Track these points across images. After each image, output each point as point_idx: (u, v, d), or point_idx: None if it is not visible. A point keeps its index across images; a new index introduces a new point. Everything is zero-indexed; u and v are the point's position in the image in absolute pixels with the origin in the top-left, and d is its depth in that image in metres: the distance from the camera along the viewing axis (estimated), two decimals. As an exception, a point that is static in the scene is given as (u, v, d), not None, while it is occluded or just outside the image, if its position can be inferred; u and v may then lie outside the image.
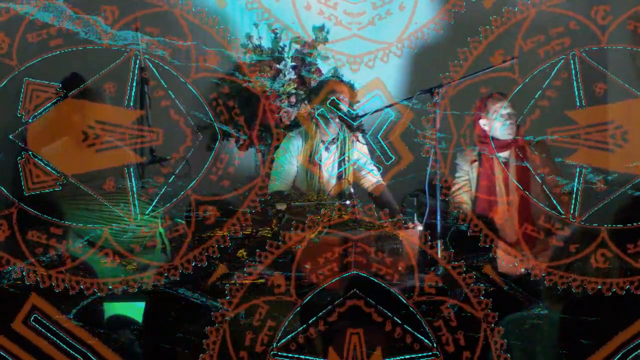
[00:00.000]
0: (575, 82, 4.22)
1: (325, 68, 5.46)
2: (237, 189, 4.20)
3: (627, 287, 3.88)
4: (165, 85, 4.22)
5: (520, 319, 3.93)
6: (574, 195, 4.22)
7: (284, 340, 3.87)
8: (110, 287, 4.00)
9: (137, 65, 4.23)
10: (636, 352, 3.82)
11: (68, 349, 3.91)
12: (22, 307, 3.92)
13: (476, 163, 4.92)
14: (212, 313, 3.94)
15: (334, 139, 5.07)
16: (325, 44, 5.35)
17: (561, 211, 4.26)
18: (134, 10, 4.23)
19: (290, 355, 3.86)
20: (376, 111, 4.65)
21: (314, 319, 3.85)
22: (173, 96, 4.21)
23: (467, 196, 4.94)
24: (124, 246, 4.21)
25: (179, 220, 4.20)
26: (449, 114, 4.38)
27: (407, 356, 3.84)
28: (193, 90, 4.19)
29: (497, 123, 4.86)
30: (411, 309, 3.89)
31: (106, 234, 4.15)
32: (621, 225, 3.96)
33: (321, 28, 5.34)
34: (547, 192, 4.45)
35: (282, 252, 4.05)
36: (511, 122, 4.83)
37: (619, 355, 3.81)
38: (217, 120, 4.36)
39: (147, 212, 4.25)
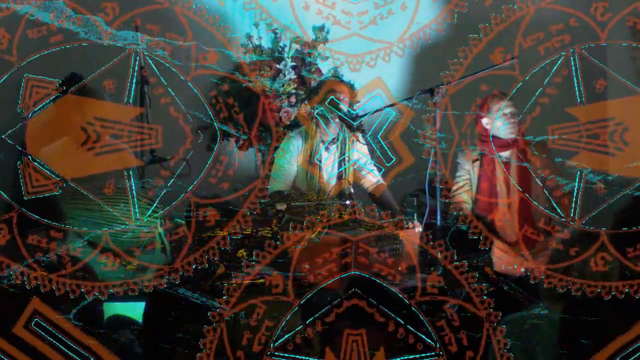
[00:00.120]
0: (575, 79, 4.21)
1: (326, 68, 5.46)
2: (237, 189, 4.20)
3: (627, 290, 3.87)
4: (165, 83, 4.22)
5: (520, 319, 3.92)
6: (574, 198, 4.21)
7: (281, 340, 3.87)
8: (111, 290, 3.99)
9: (137, 63, 4.23)
10: (635, 356, 3.81)
11: (69, 353, 3.91)
12: (23, 311, 3.92)
13: (477, 162, 4.91)
14: (209, 313, 3.94)
15: (334, 139, 5.07)
16: (325, 43, 5.35)
17: (561, 214, 4.25)
18: (134, 7, 4.23)
19: (287, 355, 3.85)
20: (376, 111, 4.65)
21: (311, 319, 3.85)
22: (173, 94, 4.20)
23: (467, 196, 4.93)
24: (124, 246, 4.21)
25: (179, 220, 4.20)
26: (449, 113, 4.38)
27: (410, 356, 3.83)
28: (193, 88, 4.19)
29: (498, 122, 4.85)
30: (413, 309, 3.88)
31: (106, 234, 4.15)
32: (624, 229, 3.95)
33: (321, 28, 5.34)
34: (547, 194, 4.44)
35: (281, 251, 4.04)
36: (513, 121, 4.83)
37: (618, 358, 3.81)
38: (217, 119, 4.35)
39: (147, 215, 4.25)
